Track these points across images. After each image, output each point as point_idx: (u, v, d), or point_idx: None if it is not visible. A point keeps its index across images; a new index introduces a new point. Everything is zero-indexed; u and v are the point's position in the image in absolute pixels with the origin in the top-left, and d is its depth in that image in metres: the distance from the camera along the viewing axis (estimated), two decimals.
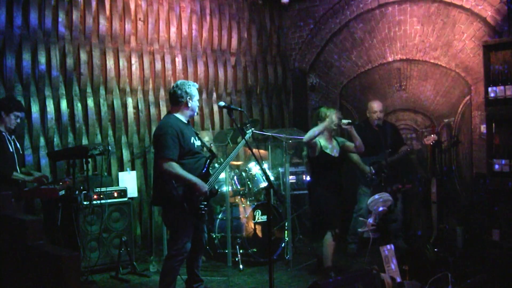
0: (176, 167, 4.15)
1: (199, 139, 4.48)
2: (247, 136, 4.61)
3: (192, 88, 4.40)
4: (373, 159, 6.11)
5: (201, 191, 4.22)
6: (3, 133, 4.98)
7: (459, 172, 6.38)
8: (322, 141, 5.16)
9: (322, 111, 5.26)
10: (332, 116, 5.15)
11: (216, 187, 5.70)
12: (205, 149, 4.62)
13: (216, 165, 5.67)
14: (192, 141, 4.35)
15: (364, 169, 6.12)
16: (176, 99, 4.37)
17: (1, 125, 5.00)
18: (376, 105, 6.27)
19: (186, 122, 4.41)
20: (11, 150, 5.00)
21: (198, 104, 4.49)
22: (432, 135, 5.92)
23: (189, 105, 4.38)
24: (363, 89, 7.32)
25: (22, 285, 3.46)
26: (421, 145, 6.16)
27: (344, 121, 5.24)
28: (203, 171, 4.35)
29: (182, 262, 4.39)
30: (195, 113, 4.52)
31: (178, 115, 4.38)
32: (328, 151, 5.16)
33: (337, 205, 5.16)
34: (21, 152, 5.28)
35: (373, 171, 6.07)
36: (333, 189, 5.17)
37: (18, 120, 5.10)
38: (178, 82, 4.46)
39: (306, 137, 5.05)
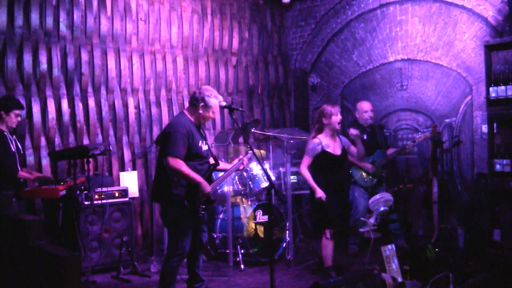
0: (182, 165, 4.16)
1: (207, 144, 4.48)
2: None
3: (212, 99, 4.36)
4: (367, 160, 6.13)
5: (204, 192, 4.22)
6: (5, 133, 4.98)
7: (460, 172, 6.38)
8: (324, 140, 5.13)
9: (327, 108, 5.18)
10: (335, 117, 5.13)
11: (218, 188, 5.73)
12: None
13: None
14: (200, 145, 4.35)
15: (365, 167, 6.10)
16: (193, 101, 4.40)
17: (2, 124, 5.00)
18: (366, 105, 6.28)
19: (197, 124, 4.42)
20: (13, 150, 5.01)
21: (211, 116, 4.45)
22: (423, 133, 5.98)
23: (200, 111, 4.37)
24: (364, 89, 7.32)
25: (22, 285, 3.46)
26: (413, 143, 6.16)
27: (353, 131, 5.26)
28: (205, 176, 4.35)
29: (181, 262, 4.39)
30: (205, 122, 4.52)
31: (190, 116, 4.40)
32: (329, 150, 5.11)
33: (337, 204, 5.14)
34: (21, 152, 5.29)
35: (375, 168, 6.06)
36: (334, 188, 5.13)
37: (19, 119, 5.10)
38: (205, 86, 4.47)
39: (301, 170, 5.15)
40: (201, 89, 4.41)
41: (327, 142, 5.12)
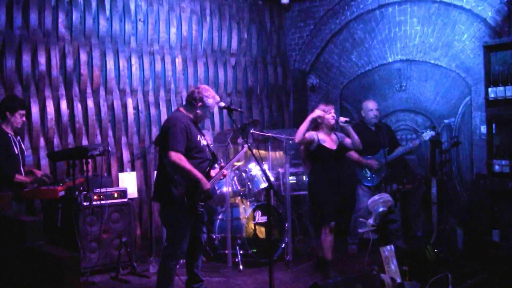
0: (183, 160, 4.17)
1: (205, 139, 4.50)
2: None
3: (210, 100, 4.40)
4: (369, 158, 6.14)
5: (203, 188, 4.22)
6: (9, 135, 4.96)
7: (459, 172, 6.38)
8: (320, 135, 5.26)
9: (320, 107, 5.35)
10: (328, 114, 5.29)
11: (217, 187, 5.73)
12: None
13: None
14: (198, 139, 4.37)
15: (371, 164, 6.12)
16: (190, 100, 4.42)
17: (7, 126, 4.98)
18: (371, 104, 6.34)
19: (193, 120, 4.44)
20: (17, 152, 4.99)
21: (207, 116, 4.53)
22: (430, 131, 5.96)
23: (198, 111, 4.39)
24: (363, 89, 7.32)
25: (21, 286, 3.46)
26: (419, 141, 6.14)
27: (342, 118, 5.33)
28: (205, 173, 4.35)
29: (178, 263, 4.38)
30: (201, 121, 4.55)
31: (187, 113, 4.41)
32: (325, 144, 5.24)
33: (334, 198, 5.21)
34: (25, 153, 5.28)
35: (382, 163, 6.04)
36: (331, 182, 5.24)
37: (24, 119, 5.08)
38: (204, 86, 4.49)
39: (297, 137, 5.17)
40: (199, 89, 4.42)
41: (323, 138, 5.27)
